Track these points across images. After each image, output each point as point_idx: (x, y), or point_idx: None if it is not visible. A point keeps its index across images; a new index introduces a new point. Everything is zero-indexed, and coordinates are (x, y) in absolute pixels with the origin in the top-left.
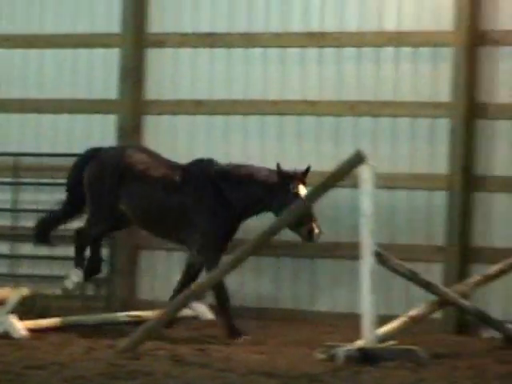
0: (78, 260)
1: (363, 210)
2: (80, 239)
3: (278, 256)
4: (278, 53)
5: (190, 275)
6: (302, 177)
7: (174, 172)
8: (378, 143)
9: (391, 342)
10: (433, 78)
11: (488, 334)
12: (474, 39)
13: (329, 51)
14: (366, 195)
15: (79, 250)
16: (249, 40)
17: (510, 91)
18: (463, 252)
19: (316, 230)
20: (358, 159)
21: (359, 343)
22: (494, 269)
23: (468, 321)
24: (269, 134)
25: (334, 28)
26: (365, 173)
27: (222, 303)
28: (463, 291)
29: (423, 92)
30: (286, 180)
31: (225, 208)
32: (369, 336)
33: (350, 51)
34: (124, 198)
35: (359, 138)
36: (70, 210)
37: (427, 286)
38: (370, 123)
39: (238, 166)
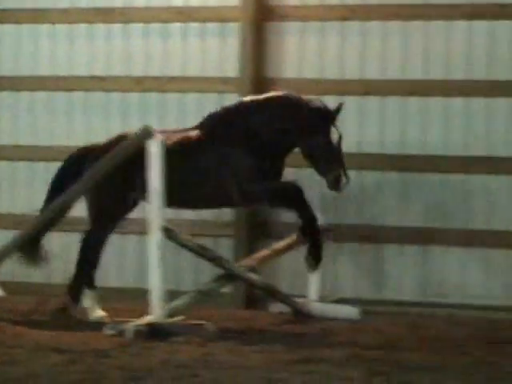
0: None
1: (151, 186)
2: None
3: (65, 231)
4: (66, 29)
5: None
6: (334, 116)
7: (189, 135)
8: (166, 118)
9: (180, 317)
10: (220, 53)
11: (276, 308)
12: (261, 14)
13: (116, 27)
14: (154, 170)
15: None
16: (36, 16)
17: (297, 66)
18: (251, 227)
19: (344, 179)
20: (145, 134)
21: (148, 318)
22: (281, 243)
23: (256, 295)
24: (57, 110)
25: (121, 3)
26: (152, 147)
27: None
28: (251, 266)
29: (211, 67)
30: (318, 118)
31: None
32: (157, 311)
33: (137, 27)
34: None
35: (147, 113)
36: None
37: (216, 260)
38: (158, 98)
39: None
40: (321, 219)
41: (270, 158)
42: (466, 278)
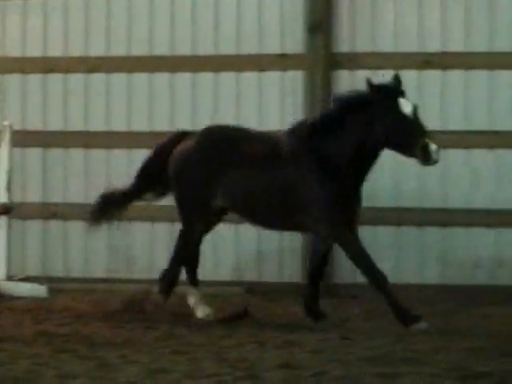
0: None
1: None
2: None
3: None
4: None
5: (318, 261)
6: (398, 88)
7: (271, 146)
8: None
9: None
10: None
11: None
12: None
13: None
14: None
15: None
16: None
17: None
18: None
19: (433, 146)
20: None
21: None
22: None
23: None
24: None
25: None
26: None
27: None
28: None
29: None
30: (384, 96)
31: (333, 170)
32: None
33: None
34: (222, 187)
35: None
36: (133, 195)
37: None
38: None
39: (325, 114)
40: (4, 197)
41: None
42: (153, 254)
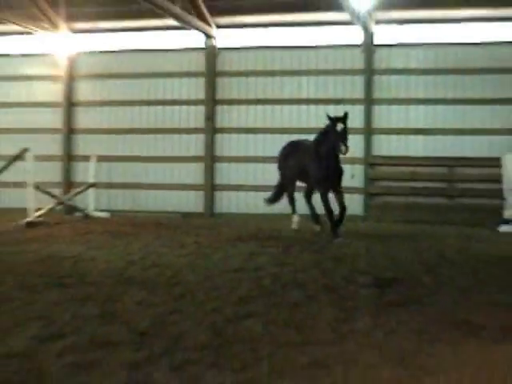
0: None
1: None
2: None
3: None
4: None
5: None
6: (341, 119)
7: (308, 148)
8: None
9: None
10: None
11: None
12: None
13: None
14: None
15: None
16: None
17: None
18: None
19: (342, 147)
20: None
21: None
22: None
23: None
24: None
25: None
26: None
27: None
28: None
29: None
30: (333, 122)
31: (323, 159)
32: None
33: None
34: (290, 170)
35: None
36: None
37: None
38: None
39: (320, 134)
40: None
41: (332, 159)
42: None
